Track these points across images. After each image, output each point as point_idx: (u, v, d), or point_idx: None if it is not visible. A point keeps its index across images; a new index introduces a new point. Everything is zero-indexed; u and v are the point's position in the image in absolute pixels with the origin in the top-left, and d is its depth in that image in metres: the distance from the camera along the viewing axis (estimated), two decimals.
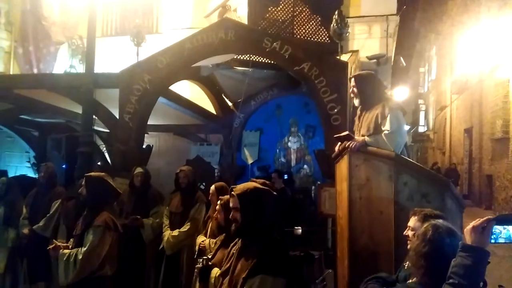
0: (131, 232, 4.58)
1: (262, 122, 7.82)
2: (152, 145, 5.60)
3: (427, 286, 1.94)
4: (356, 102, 3.51)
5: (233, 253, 2.26)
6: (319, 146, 5.95)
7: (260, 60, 6.45)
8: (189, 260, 4.33)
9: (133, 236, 4.59)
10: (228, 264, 2.28)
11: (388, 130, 3.17)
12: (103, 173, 3.53)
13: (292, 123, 7.67)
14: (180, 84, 6.73)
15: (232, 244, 2.33)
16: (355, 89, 3.45)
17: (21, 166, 8.56)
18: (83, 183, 3.73)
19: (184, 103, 6.66)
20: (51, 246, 3.27)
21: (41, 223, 4.66)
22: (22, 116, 7.69)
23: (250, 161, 7.69)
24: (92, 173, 3.60)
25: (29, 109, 7.14)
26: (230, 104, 8.08)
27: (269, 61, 6.07)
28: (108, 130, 6.26)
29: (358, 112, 3.52)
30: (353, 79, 3.51)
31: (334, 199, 3.74)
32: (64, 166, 6.09)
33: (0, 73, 9.77)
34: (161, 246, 4.51)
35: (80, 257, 3.05)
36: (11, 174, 6.95)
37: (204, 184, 5.98)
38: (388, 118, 3.20)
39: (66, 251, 3.18)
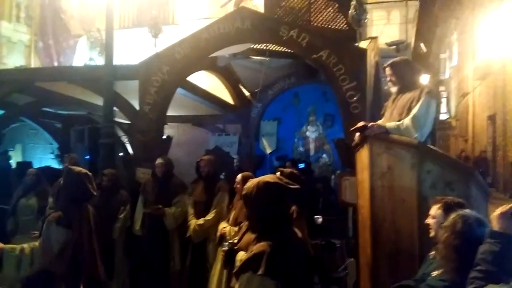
0: (155, 221, 4.67)
1: (279, 111, 7.81)
2: (172, 136, 5.65)
3: (455, 283, 1.90)
4: (394, 89, 3.42)
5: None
6: (338, 135, 5.89)
7: (277, 49, 6.41)
8: (215, 247, 4.40)
9: (157, 225, 4.68)
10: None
11: (413, 114, 3.10)
12: (84, 171, 3.25)
13: (310, 112, 7.62)
14: (198, 75, 6.75)
15: None
16: (393, 77, 3.39)
17: (45, 158, 8.79)
18: (105, 172, 3.60)
19: (202, 93, 6.69)
20: None
21: None
22: (45, 109, 7.87)
23: (268, 150, 7.70)
24: (75, 167, 3.38)
25: (51, 101, 7.29)
26: (247, 94, 8.07)
27: (286, 50, 6.02)
28: (128, 121, 6.34)
29: (394, 95, 3.45)
30: (388, 67, 3.43)
31: (355, 188, 3.71)
32: (87, 157, 6.20)
33: (22, 67, 9.97)
34: (188, 234, 4.59)
35: (35, 252, 2.96)
36: (35, 165, 7.13)
37: (223, 174, 6.01)
38: (419, 103, 3.13)
39: (14, 246, 3.06)
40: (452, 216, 1.99)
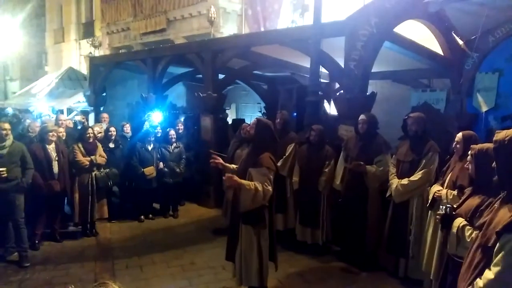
0: (355, 177, 4.72)
1: (502, 61, 6.56)
2: (376, 92, 5.47)
3: None
4: None
5: (494, 206, 2.03)
6: None
7: None
8: (419, 209, 4.19)
9: (357, 181, 4.72)
10: (486, 218, 2.08)
11: None
12: (270, 121, 3.82)
13: None
14: (402, 25, 6.24)
15: (495, 198, 2.10)
16: None
17: (254, 115, 9.91)
18: (314, 127, 3.74)
19: (408, 45, 6.18)
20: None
21: (279, 163, 5.28)
22: (254, 72, 8.74)
23: (484, 108, 6.66)
24: (262, 118, 3.98)
25: (261, 64, 8.01)
26: (460, 42, 7.06)
27: None
28: (326, 81, 6.45)
29: None
30: None
31: None
32: (294, 114, 6.62)
33: (235, 34, 11.17)
34: (388, 194, 4.49)
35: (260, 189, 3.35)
36: (247, 122, 8.09)
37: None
38: None
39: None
40: None
